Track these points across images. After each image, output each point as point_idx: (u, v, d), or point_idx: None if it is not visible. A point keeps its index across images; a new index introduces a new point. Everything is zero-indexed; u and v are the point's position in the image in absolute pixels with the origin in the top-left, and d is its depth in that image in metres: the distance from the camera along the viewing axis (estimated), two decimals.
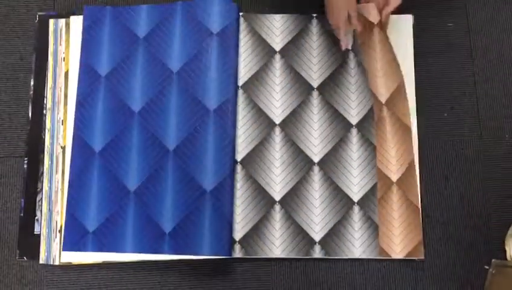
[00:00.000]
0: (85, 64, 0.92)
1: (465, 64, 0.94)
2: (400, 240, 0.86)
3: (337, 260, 0.86)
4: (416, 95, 0.91)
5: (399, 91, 0.90)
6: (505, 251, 0.86)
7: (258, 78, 0.92)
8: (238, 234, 0.86)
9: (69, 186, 0.88)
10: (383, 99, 0.89)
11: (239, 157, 0.89)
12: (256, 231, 0.86)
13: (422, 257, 0.86)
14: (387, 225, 0.86)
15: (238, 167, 0.89)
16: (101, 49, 0.93)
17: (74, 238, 0.86)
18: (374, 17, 0.88)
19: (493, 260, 0.86)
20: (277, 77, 0.92)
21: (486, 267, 0.86)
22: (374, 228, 0.86)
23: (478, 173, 0.90)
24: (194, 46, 0.92)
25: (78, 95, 0.91)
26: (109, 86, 0.91)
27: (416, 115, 0.91)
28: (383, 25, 0.90)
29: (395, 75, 0.90)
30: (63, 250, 0.86)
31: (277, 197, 0.88)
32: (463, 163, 0.91)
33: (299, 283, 0.86)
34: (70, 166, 0.89)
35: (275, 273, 0.87)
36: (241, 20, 0.94)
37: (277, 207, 0.87)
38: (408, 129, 0.89)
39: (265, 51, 0.93)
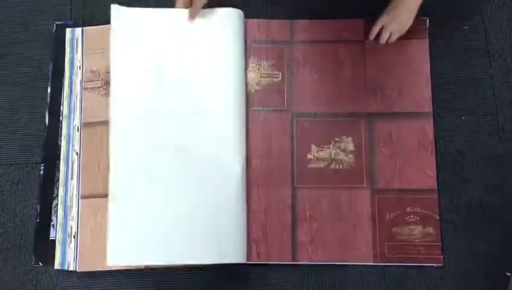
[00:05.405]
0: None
1: (482, 67, 0.93)
2: None
3: (352, 265, 0.85)
4: (433, 99, 0.90)
5: None
6: None
7: None
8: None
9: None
10: None
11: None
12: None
13: (441, 264, 0.84)
14: None
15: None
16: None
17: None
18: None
19: None
20: None
21: (508, 273, 0.84)
22: None
23: (497, 177, 0.89)
24: None
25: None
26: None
27: (434, 118, 0.89)
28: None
29: None
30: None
31: None
32: (482, 167, 0.89)
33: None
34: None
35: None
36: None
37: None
38: None
39: None
